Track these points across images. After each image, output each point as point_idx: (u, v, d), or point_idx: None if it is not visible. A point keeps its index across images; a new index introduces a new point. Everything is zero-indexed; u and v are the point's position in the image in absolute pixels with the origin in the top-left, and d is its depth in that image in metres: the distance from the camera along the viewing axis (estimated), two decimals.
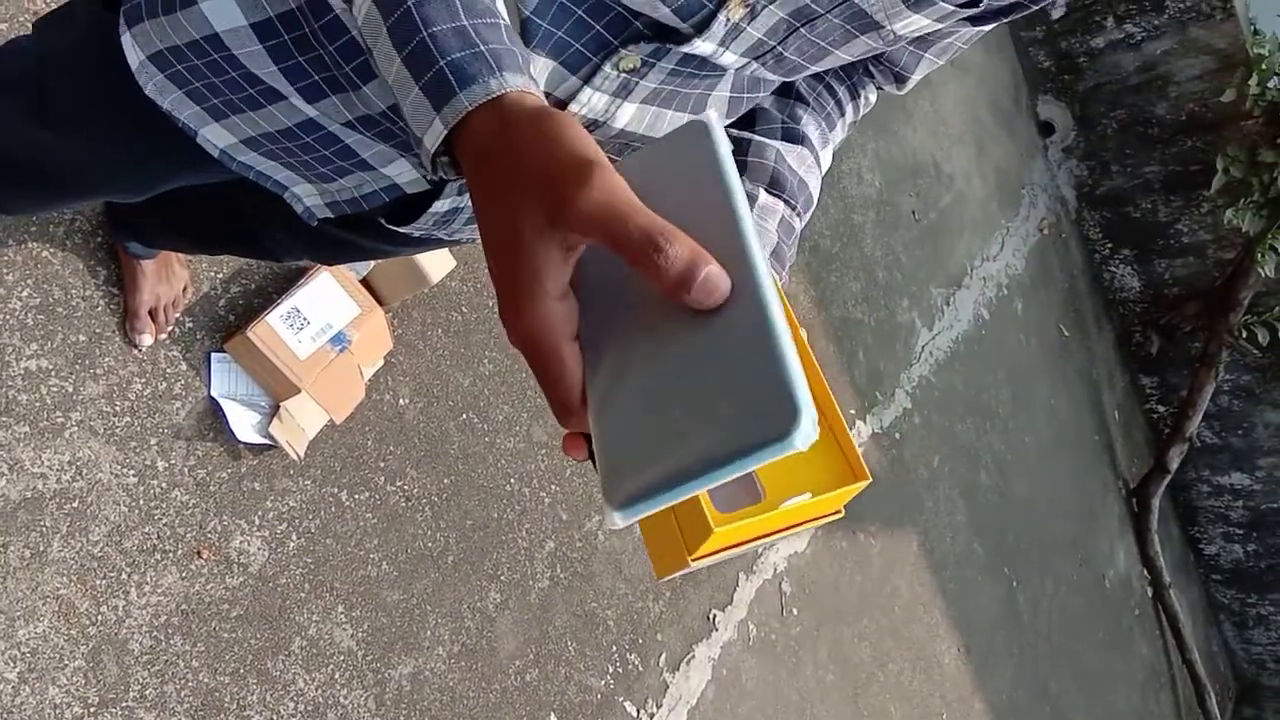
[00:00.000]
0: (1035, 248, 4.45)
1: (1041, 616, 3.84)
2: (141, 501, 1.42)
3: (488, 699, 1.79)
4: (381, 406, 1.74)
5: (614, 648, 2.06)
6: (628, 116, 0.64)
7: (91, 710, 1.31)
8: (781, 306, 0.40)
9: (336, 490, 1.65)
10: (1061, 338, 4.55)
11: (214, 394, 1.52)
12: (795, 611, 2.59)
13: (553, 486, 2.01)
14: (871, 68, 0.78)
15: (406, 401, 1.79)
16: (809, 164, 0.75)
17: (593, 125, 0.63)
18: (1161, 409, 5.33)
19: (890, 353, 3.27)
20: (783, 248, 0.72)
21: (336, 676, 1.58)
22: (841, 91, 0.79)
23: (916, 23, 0.62)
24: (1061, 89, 4.64)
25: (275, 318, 1.55)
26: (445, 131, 0.45)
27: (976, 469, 3.62)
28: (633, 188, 0.40)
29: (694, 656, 2.24)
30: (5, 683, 1.24)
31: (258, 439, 1.53)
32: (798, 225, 0.74)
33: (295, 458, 1.57)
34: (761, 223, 0.71)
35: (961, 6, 0.61)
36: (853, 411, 3.03)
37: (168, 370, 1.48)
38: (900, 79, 0.77)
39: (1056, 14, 4.40)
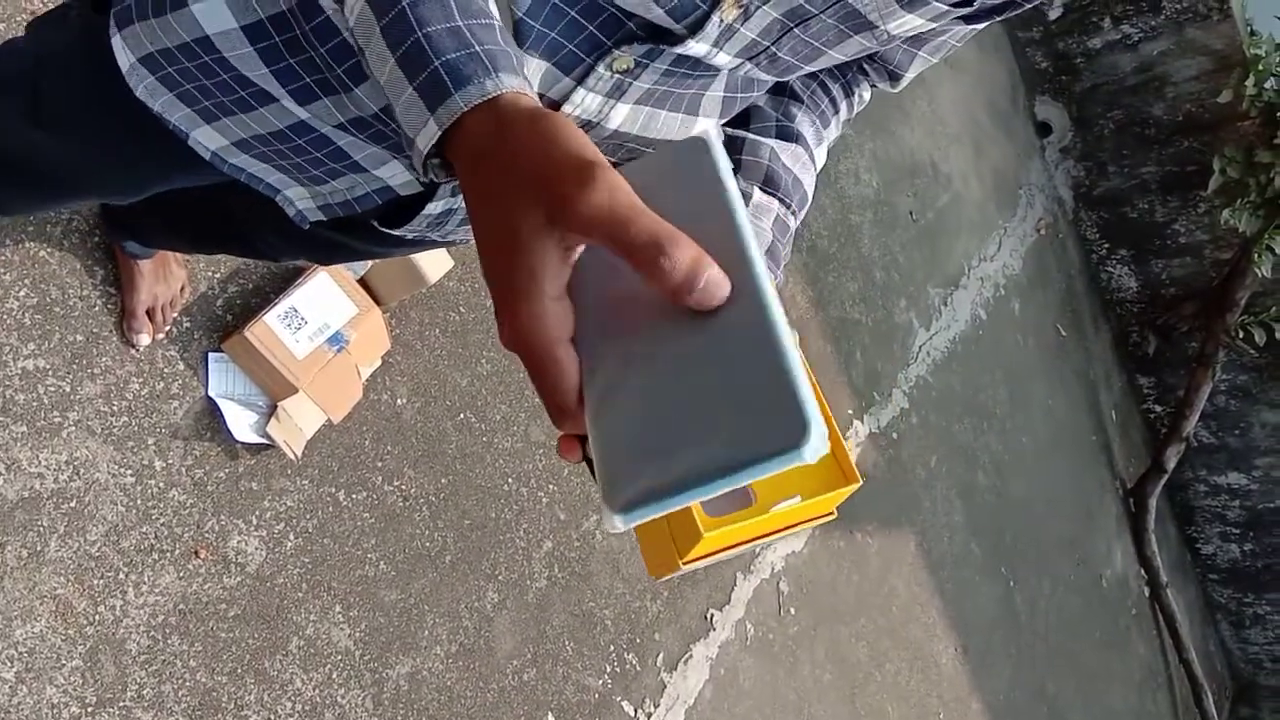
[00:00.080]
0: (1032, 248, 4.45)
1: (1039, 616, 3.84)
2: (139, 501, 1.42)
3: (485, 698, 1.79)
4: (379, 406, 1.74)
5: (612, 647, 2.06)
6: (621, 117, 0.64)
7: (89, 710, 1.31)
8: (782, 311, 0.40)
9: (334, 490, 1.65)
10: (1059, 338, 4.56)
11: (211, 394, 1.52)
12: (793, 611, 2.59)
13: (550, 486, 2.02)
14: (865, 66, 0.78)
15: (404, 401, 1.79)
16: (804, 162, 0.75)
17: (586, 126, 0.63)
18: (1159, 409, 5.34)
19: (888, 353, 3.27)
20: (778, 246, 0.72)
21: (334, 676, 1.59)
22: (835, 89, 0.79)
23: (910, 22, 0.62)
24: (1059, 89, 4.64)
25: (273, 317, 1.55)
26: (439, 133, 0.44)
27: (974, 469, 3.62)
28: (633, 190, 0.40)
29: (691, 656, 2.25)
30: (3, 682, 1.24)
31: (255, 439, 1.54)
32: (793, 224, 0.74)
33: (293, 457, 1.58)
34: (756, 221, 0.71)
35: (955, 6, 0.61)
36: (850, 411, 3.03)
37: (165, 370, 1.48)
38: (894, 77, 0.77)
39: (1054, 14, 4.41)
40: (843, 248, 3.14)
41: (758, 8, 0.57)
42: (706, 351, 0.39)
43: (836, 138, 0.83)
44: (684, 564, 0.49)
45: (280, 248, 0.96)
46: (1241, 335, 4.58)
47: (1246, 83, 4.11)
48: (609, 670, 2.04)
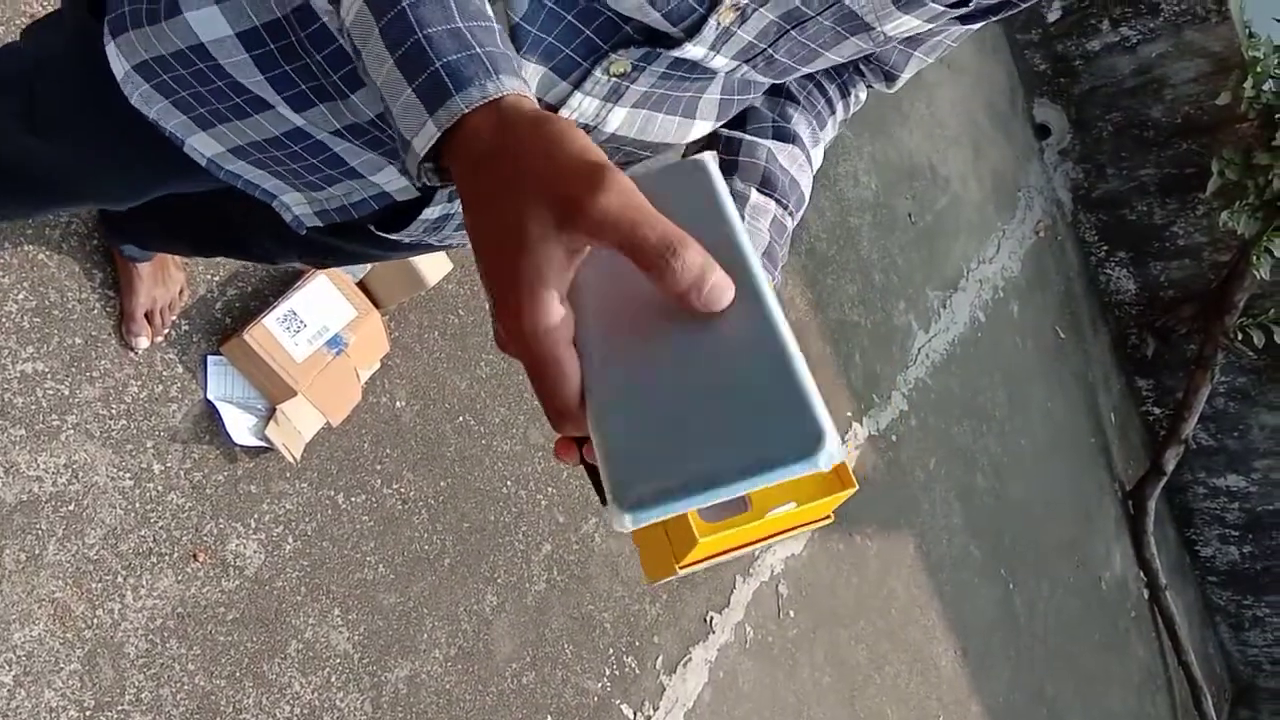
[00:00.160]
0: (1031, 250, 4.45)
1: (1038, 619, 3.84)
2: (137, 505, 1.42)
3: (484, 702, 1.79)
4: (378, 409, 1.74)
5: (611, 650, 2.06)
6: (618, 121, 0.64)
7: (87, 713, 1.31)
8: (784, 317, 0.41)
9: (333, 493, 1.65)
10: (1057, 340, 4.56)
11: (210, 397, 1.52)
12: (792, 614, 2.59)
13: (549, 489, 2.02)
14: (861, 66, 0.78)
15: (403, 404, 1.79)
16: (800, 163, 0.75)
17: (583, 130, 0.63)
18: (1157, 411, 5.34)
19: (886, 355, 3.27)
20: (775, 247, 0.72)
21: (333, 680, 1.58)
22: (832, 90, 0.79)
23: (907, 24, 0.62)
24: (1057, 92, 4.65)
25: (272, 320, 1.55)
26: (438, 134, 0.44)
27: (973, 471, 3.62)
28: None
29: (691, 659, 2.25)
30: (1, 686, 1.24)
31: (254, 442, 1.54)
32: (789, 224, 0.74)
33: (291, 460, 1.58)
34: (753, 222, 0.71)
35: (951, 6, 0.61)
36: (849, 414, 3.03)
37: (164, 373, 1.48)
38: (890, 77, 0.78)
39: (1053, 16, 4.41)
40: (842, 250, 3.14)
41: (754, 10, 0.57)
42: (713, 356, 0.40)
43: (833, 138, 0.83)
44: (680, 569, 0.49)
45: (278, 251, 0.96)
46: (1240, 337, 4.59)
47: (1245, 85, 4.11)
48: (608, 673, 2.04)
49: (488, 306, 0.46)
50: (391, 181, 0.71)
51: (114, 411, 1.41)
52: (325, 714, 1.56)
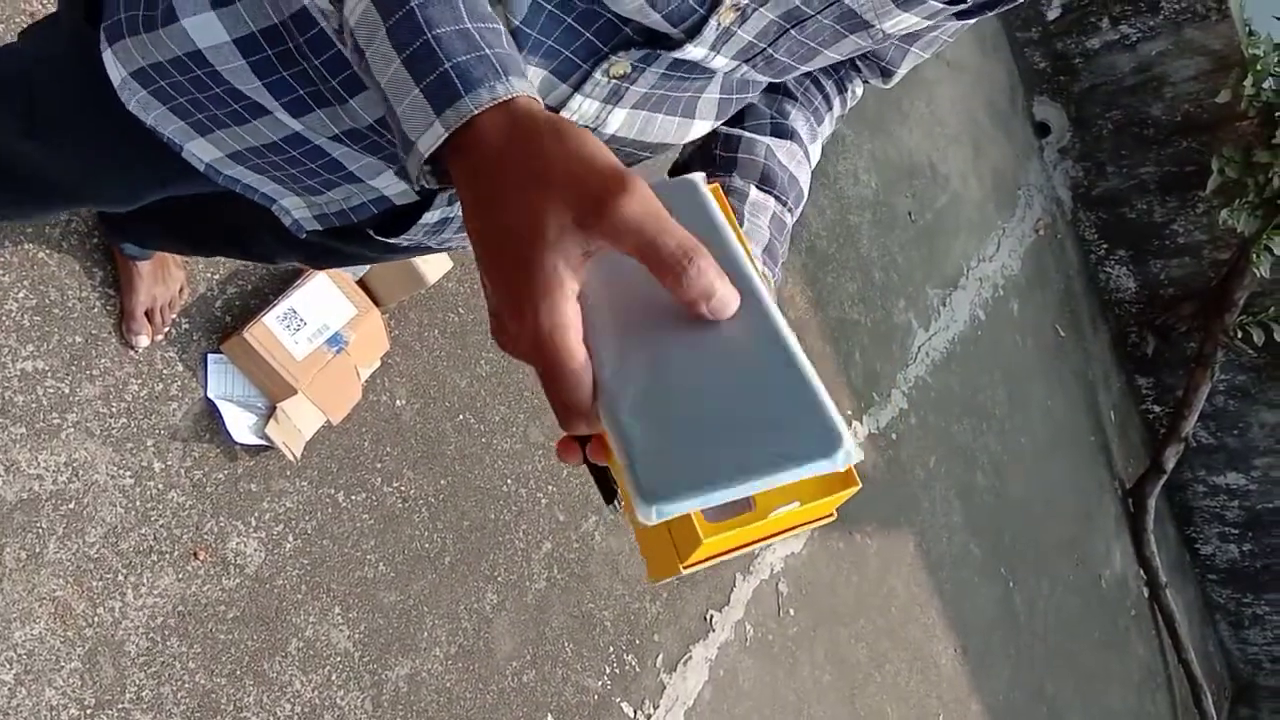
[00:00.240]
0: (1031, 248, 4.45)
1: (1038, 617, 3.85)
2: (138, 503, 1.42)
3: (485, 700, 1.79)
4: (378, 407, 1.75)
5: (611, 649, 2.06)
6: (618, 122, 0.64)
7: (88, 712, 1.31)
8: (786, 322, 0.43)
9: (333, 491, 1.65)
10: (1057, 338, 4.56)
11: (210, 395, 1.52)
12: (792, 612, 2.59)
13: (550, 487, 2.02)
14: (858, 62, 0.78)
15: (403, 402, 1.79)
16: (799, 159, 0.76)
17: None
18: (1157, 409, 5.34)
19: (886, 353, 3.27)
20: (775, 243, 0.72)
21: (333, 678, 1.59)
22: (829, 86, 0.79)
23: (906, 21, 0.62)
24: (1057, 90, 4.65)
25: (272, 319, 1.55)
26: (445, 135, 0.44)
27: (973, 469, 3.62)
28: None
29: (691, 657, 2.25)
30: (2, 684, 1.24)
31: (254, 440, 1.54)
32: (789, 220, 0.74)
33: (292, 459, 1.58)
34: (753, 219, 0.71)
35: (949, 3, 0.61)
36: (849, 412, 3.03)
37: (164, 371, 1.49)
38: (886, 73, 0.78)
39: (1052, 14, 4.41)
40: (841, 248, 3.14)
41: (754, 10, 0.57)
42: (723, 360, 0.42)
43: (830, 134, 0.83)
44: (684, 568, 0.49)
45: (278, 251, 0.96)
46: (1240, 335, 4.59)
47: (1245, 83, 4.11)
48: (608, 671, 2.05)
49: (488, 307, 0.46)
50: (390, 186, 0.71)
51: (114, 410, 1.42)
52: (326, 712, 1.56)
